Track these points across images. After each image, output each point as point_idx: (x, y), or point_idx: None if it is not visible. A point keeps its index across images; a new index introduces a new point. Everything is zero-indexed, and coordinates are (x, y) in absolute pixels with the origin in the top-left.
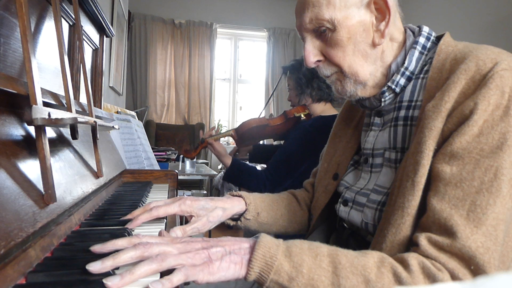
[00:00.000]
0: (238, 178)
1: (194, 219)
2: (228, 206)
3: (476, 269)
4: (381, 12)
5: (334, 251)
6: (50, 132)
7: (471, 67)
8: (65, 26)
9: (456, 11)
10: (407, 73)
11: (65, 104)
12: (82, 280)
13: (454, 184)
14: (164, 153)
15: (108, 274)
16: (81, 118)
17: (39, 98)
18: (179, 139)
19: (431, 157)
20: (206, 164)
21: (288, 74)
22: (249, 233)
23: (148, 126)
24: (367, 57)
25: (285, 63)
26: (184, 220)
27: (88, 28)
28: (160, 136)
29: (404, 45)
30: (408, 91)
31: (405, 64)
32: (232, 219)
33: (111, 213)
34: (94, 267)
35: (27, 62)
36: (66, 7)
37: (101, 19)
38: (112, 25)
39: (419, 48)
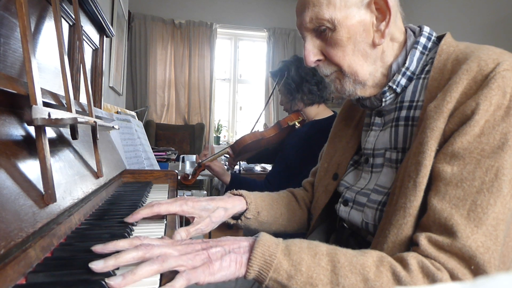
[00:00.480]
0: None
1: (197, 220)
2: (230, 206)
3: (476, 269)
4: (382, 12)
5: (333, 250)
6: (50, 132)
7: (473, 67)
8: (65, 26)
9: (456, 11)
10: (408, 73)
11: (65, 104)
12: (82, 280)
13: (455, 184)
14: (164, 153)
15: (108, 274)
16: (81, 118)
17: (39, 98)
18: (179, 139)
19: (433, 158)
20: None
21: (278, 80)
22: (249, 232)
23: (148, 126)
24: (367, 57)
25: None
26: (184, 220)
27: (88, 28)
28: (160, 136)
29: (405, 45)
30: (409, 91)
31: (406, 64)
32: (233, 217)
33: (111, 213)
34: (97, 265)
35: (27, 62)
36: (66, 7)
37: (101, 19)
38: (112, 25)
39: (420, 48)
